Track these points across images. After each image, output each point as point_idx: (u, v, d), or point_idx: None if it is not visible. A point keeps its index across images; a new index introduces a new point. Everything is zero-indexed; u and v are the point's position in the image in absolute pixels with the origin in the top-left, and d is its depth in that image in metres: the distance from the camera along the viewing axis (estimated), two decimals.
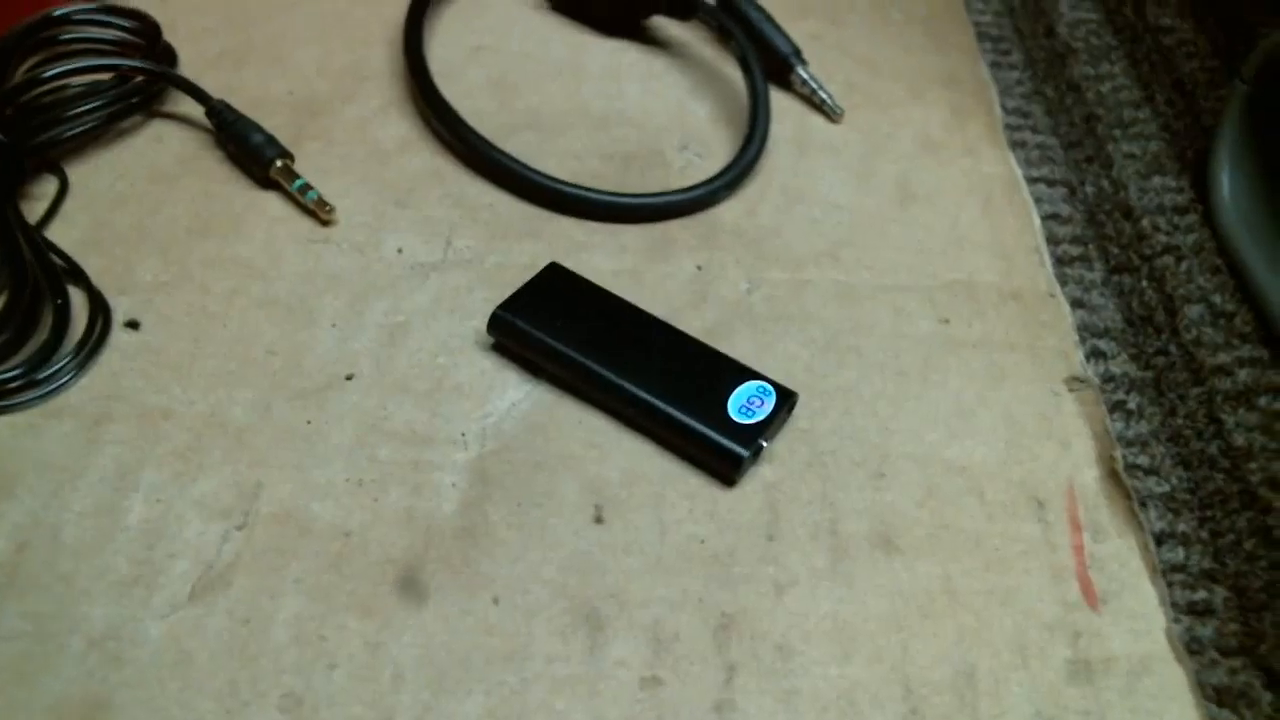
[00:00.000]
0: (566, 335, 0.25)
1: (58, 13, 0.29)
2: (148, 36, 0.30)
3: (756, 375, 0.24)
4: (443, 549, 0.22)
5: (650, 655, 0.21)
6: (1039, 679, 0.21)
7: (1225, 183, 0.31)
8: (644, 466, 0.24)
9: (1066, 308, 0.28)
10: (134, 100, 0.29)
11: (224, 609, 0.21)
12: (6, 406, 0.23)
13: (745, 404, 0.24)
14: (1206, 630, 0.23)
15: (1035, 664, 0.21)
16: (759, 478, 0.24)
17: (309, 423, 0.24)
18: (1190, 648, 0.22)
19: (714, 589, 0.22)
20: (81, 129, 0.28)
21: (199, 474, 0.23)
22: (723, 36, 0.33)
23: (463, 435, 0.24)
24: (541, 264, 0.27)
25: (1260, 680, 0.22)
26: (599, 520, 0.23)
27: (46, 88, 0.28)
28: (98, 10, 0.30)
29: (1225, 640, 0.22)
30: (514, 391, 0.25)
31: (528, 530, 0.22)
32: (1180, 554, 0.24)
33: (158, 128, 0.30)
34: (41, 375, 0.24)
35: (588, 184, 0.29)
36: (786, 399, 0.24)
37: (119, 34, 0.30)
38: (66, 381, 0.24)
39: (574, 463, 0.24)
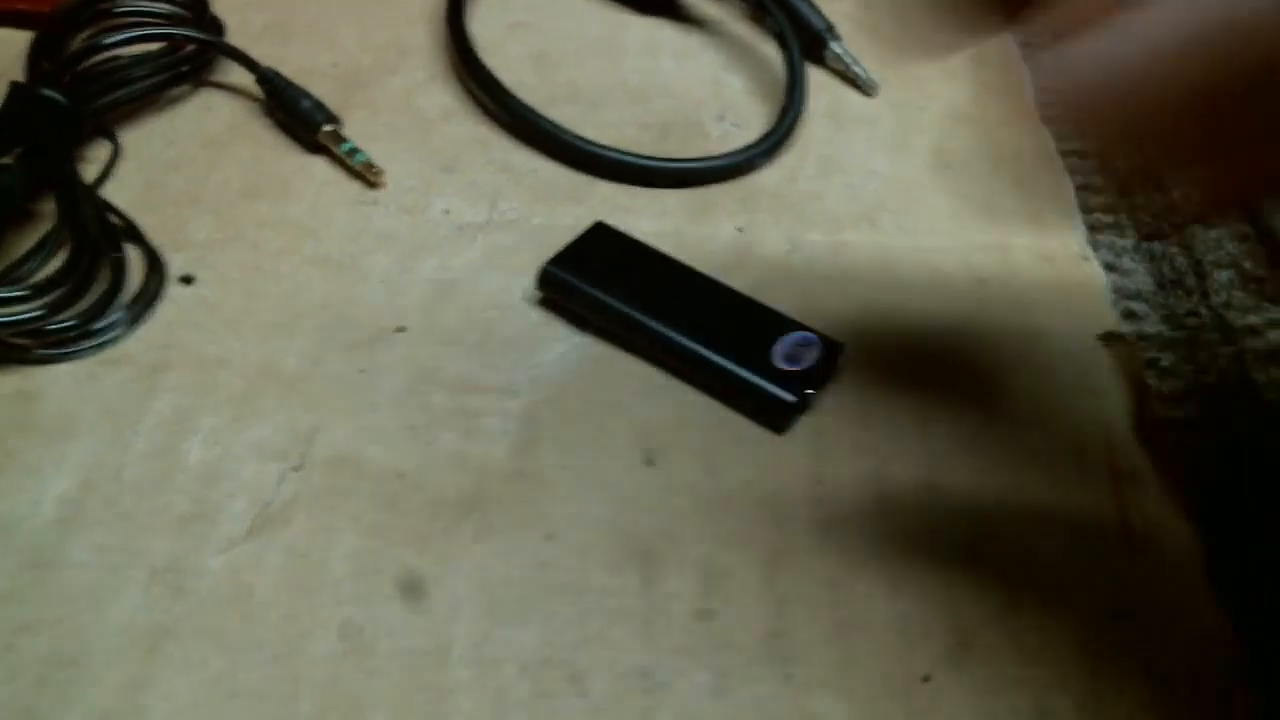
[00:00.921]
0: (614, 289, 0.25)
1: None
2: (196, 9, 0.31)
3: (802, 326, 0.25)
4: (496, 489, 0.22)
5: (702, 589, 0.21)
6: (1083, 614, 0.21)
7: None
8: (693, 414, 0.24)
9: (1100, 270, 0.29)
10: (184, 69, 0.30)
11: (282, 545, 0.21)
12: (65, 354, 0.24)
13: (791, 353, 0.24)
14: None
15: (1077, 598, 0.22)
16: (807, 425, 0.24)
17: (362, 371, 0.24)
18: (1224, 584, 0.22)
19: (763, 528, 0.22)
20: (135, 95, 0.29)
21: (255, 419, 0.23)
22: (758, 13, 0.34)
23: (512, 384, 0.24)
24: (585, 225, 0.28)
25: None
26: (649, 463, 0.23)
27: (102, 56, 0.28)
28: None
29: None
30: (562, 344, 0.25)
31: (579, 472, 0.23)
32: (1212, 506, 0.24)
33: (207, 96, 0.31)
34: (98, 325, 0.24)
35: (627, 149, 0.30)
36: (833, 349, 0.25)
37: (169, 6, 0.31)
38: (122, 332, 0.24)
39: (623, 410, 0.24)
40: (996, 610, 0.21)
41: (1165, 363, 0.28)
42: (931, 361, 0.26)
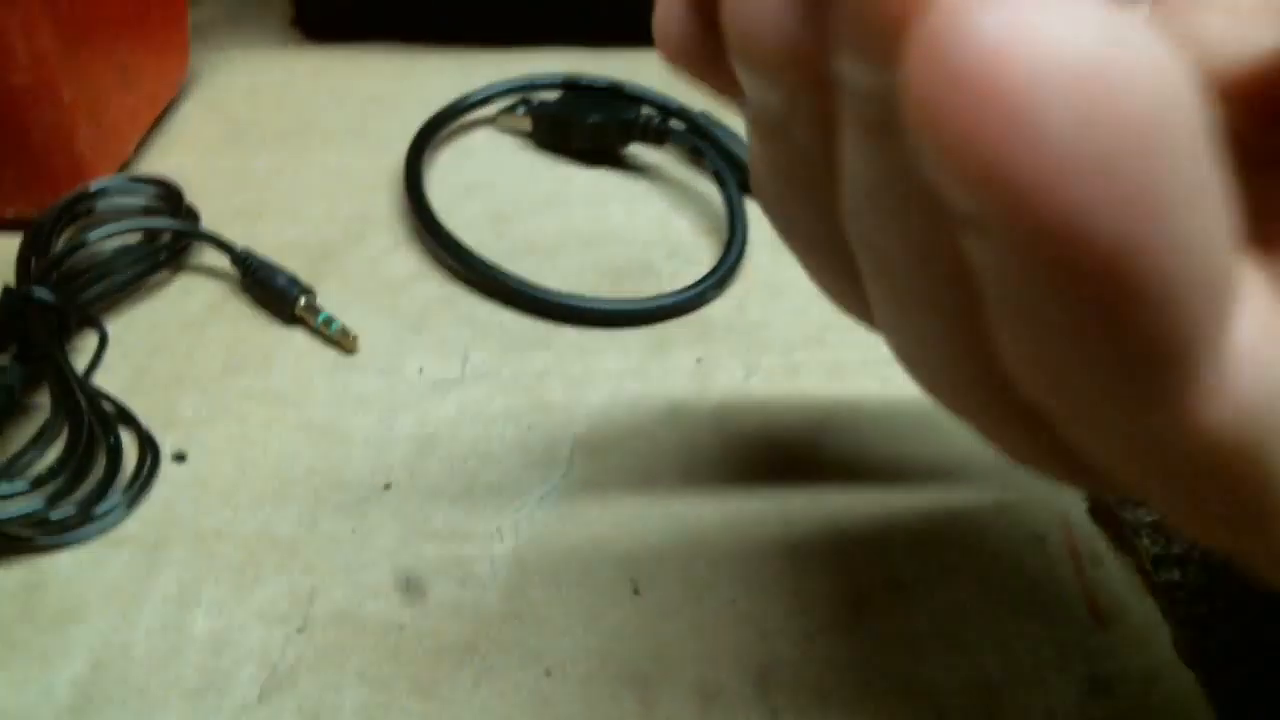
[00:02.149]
0: None
1: (93, 187, 0.32)
2: (172, 200, 0.33)
3: None
4: (492, 632, 0.23)
5: (699, 709, 0.22)
6: (1062, 693, 0.22)
7: None
8: (673, 542, 0.25)
9: None
10: (163, 257, 0.32)
11: (292, 706, 0.22)
12: (67, 541, 0.25)
13: None
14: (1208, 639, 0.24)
15: (1055, 679, 0.23)
16: (782, 539, 0.25)
17: (354, 531, 0.25)
18: (1194, 656, 0.24)
19: (751, 644, 0.23)
20: (118, 286, 0.30)
21: (255, 586, 0.24)
22: (696, 156, 0.36)
23: (498, 529, 0.26)
24: (554, 371, 0.29)
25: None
26: (636, 593, 0.24)
27: (85, 252, 0.30)
28: (126, 181, 0.33)
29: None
30: (542, 487, 0.27)
31: (570, 607, 0.24)
32: (1176, 574, 0.26)
33: (186, 279, 0.32)
34: (98, 511, 0.25)
35: (586, 296, 0.31)
36: None
37: (146, 200, 0.33)
38: (121, 515, 0.25)
39: (607, 544, 0.25)
40: (978, 700, 0.22)
41: None
42: (891, 465, 0.27)
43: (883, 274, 0.13)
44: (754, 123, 0.15)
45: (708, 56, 0.16)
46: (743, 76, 0.14)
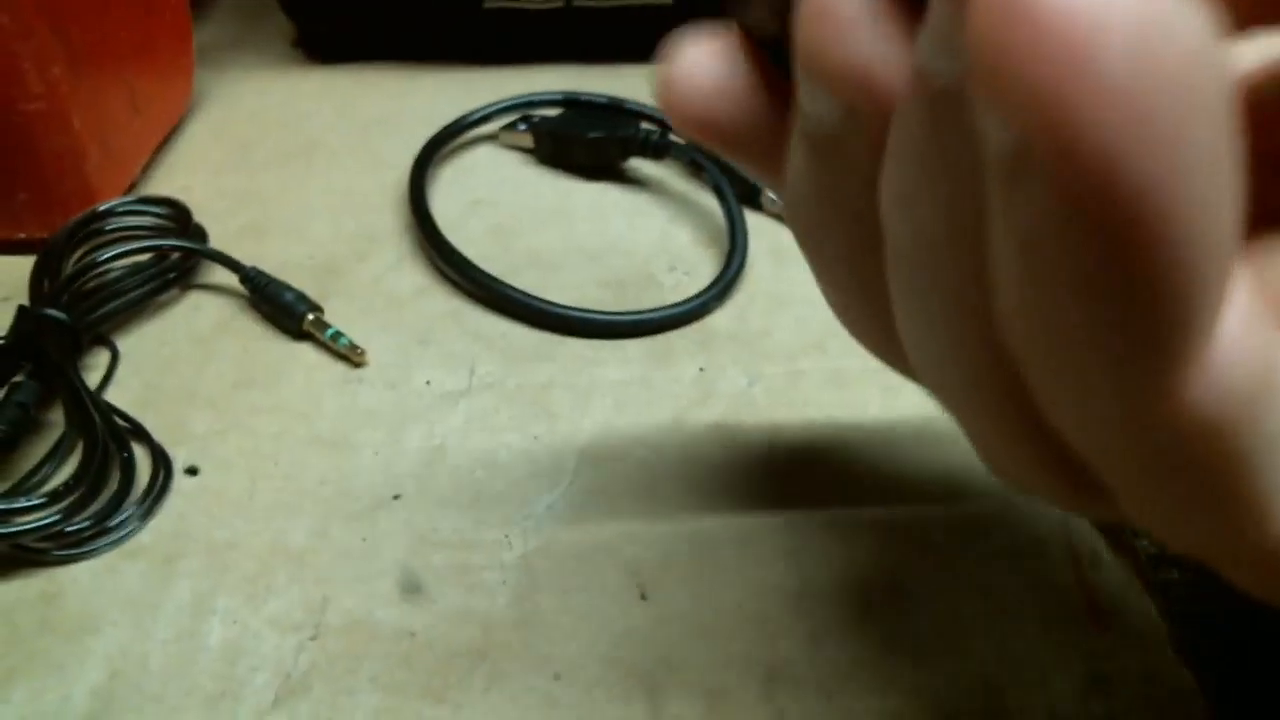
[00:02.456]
0: None
1: (102, 209, 0.32)
2: (180, 219, 0.33)
3: None
4: (502, 637, 0.24)
5: (705, 711, 0.22)
6: (1062, 690, 0.23)
7: None
8: (679, 547, 0.26)
9: None
10: (172, 275, 0.32)
11: (307, 712, 0.22)
12: (84, 553, 0.25)
13: None
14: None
15: (1055, 677, 0.23)
16: (784, 545, 0.26)
17: (364, 540, 0.26)
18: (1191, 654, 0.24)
19: (757, 646, 0.24)
20: (129, 304, 0.31)
21: (269, 595, 0.25)
22: (695, 170, 0.37)
23: (506, 537, 0.26)
24: (559, 382, 0.30)
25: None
26: (643, 598, 0.25)
27: (96, 272, 0.31)
28: (135, 202, 0.33)
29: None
30: (548, 494, 0.27)
31: (578, 613, 0.24)
32: (1173, 574, 0.26)
33: (196, 297, 0.33)
34: (113, 523, 0.26)
35: (589, 308, 0.32)
36: None
37: (155, 220, 0.33)
38: (136, 527, 0.26)
39: (613, 550, 0.26)
40: (979, 697, 0.23)
41: None
42: (891, 473, 0.28)
43: (906, 271, 0.14)
44: (804, 140, 0.15)
45: (741, 116, 0.16)
46: (805, 89, 0.14)
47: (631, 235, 0.36)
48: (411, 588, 0.25)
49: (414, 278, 0.34)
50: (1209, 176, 0.09)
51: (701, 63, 0.16)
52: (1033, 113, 0.09)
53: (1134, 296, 0.10)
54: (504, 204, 0.37)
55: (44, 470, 0.26)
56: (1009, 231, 0.11)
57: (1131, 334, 0.10)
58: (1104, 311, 0.10)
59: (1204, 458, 0.11)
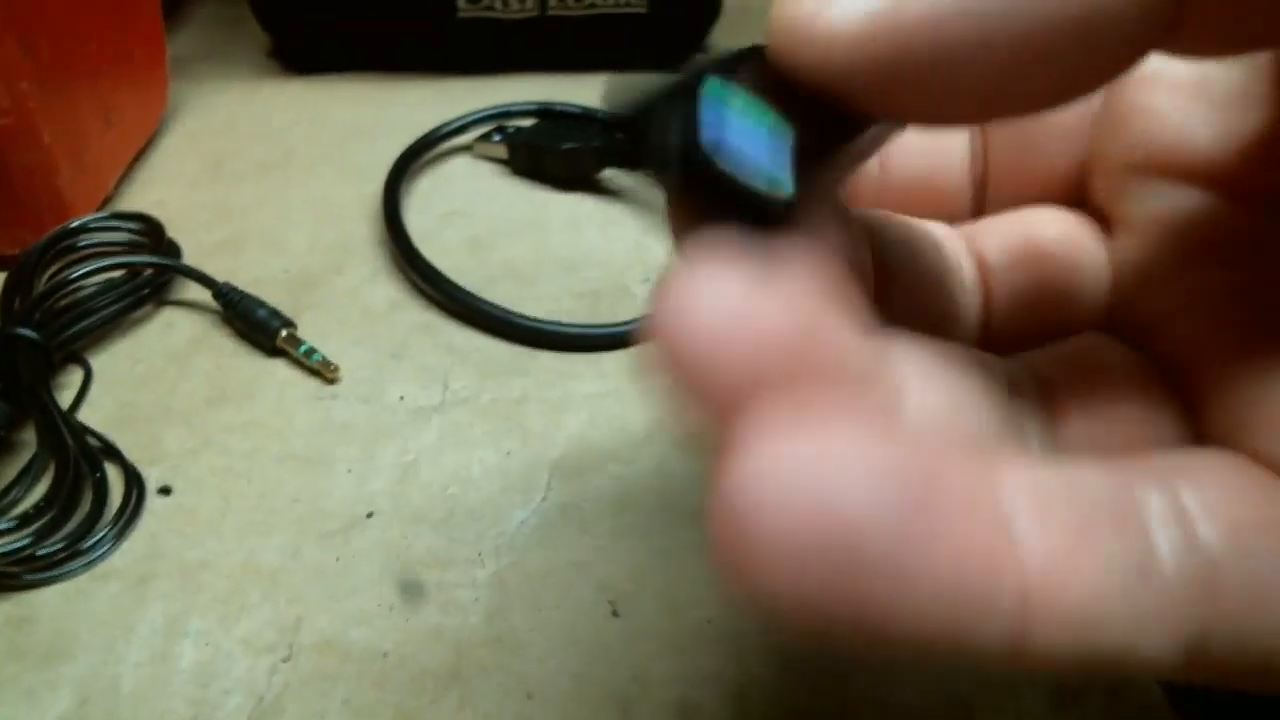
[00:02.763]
0: None
1: (74, 224, 0.32)
2: (153, 235, 0.33)
3: None
4: (475, 656, 0.24)
5: None
6: (1034, 706, 0.23)
7: None
8: (650, 564, 0.26)
9: None
10: (145, 292, 0.32)
11: None
12: (55, 576, 0.25)
13: None
14: None
15: (1027, 692, 0.23)
16: None
17: (338, 559, 0.26)
18: None
19: (729, 663, 0.24)
20: (101, 322, 0.31)
21: (241, 615, 0.25)
22: None
23: (479, 554, 0.26)
24: (532, 396, 0.30)
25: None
26: (616, 615, 0.25)
27: (68, 289, 0.30)
28: (108, 217, 0.33)
29: None
30: (521, 510, 0.27)
31: (551, 631, 0.24)
32: None
33: (169, 314, 0.33)
34: (85, 545, 0.26)
35: (563, 321, 0.32)
36: None
37: (128, 236, 0.33)
38: (108, 549, 0.26)
39: (585, 567, 0.26)
40: (949, 710, 0.23)
41: None
42: None
43: None
44: None
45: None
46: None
47: (606, 246, 0.36)
48: (385, 607, 0.25)
49: (388, 291, 0.34)
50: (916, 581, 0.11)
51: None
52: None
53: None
54: (479, 215, 0.37)
55: (14, 492, 0.26)
56: None
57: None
58: None
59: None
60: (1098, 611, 0.11)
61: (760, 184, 0.12)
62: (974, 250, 0.17)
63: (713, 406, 0.11)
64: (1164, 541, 0.12)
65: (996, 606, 0.11)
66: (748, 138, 0.12)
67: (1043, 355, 0.16)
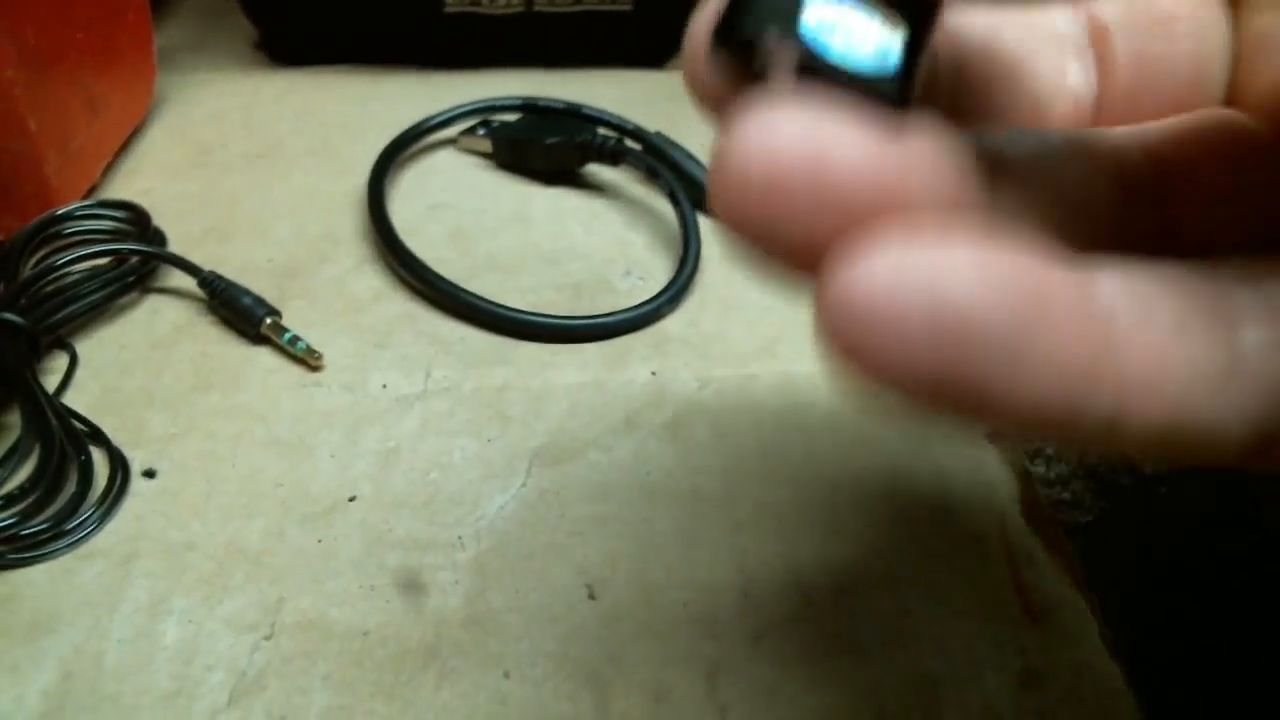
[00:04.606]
0: None
1: (59, 212, 0.33)
2: (139, 223, 0.34)
3: None
4: (453, 636, 0.24)
5: (650, 707, 0.23)
6: (997, 686, 0.24)
7: None
8: (626, 548, 0.26)
9: None
10: (130, 279, 0.32)
11: (261, 709, 0.23)
12: (40, 556, 0.26)
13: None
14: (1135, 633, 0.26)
15: (990, 673, 0.24)
16: (732, 545, 0.27)
17: (320, 541, 0.26)
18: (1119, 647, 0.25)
19: (701, 644, 0.24)
20: (87, 308, 0.31)
21: (225, 595, 0.25)
22: (651, 175, 0.38)
23: (459, 538, 0.27)
24: (514, 385, 0.30)
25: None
26: (592, 597, 0.25)
27: (54, 276, 0.31)
28: (93, 205, 0.34)
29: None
30: (501, 495, 0.28)
31: (528, 612, 0.25)
32: (1107, 570, 0.27)
33: (154, 301, 0.33)
34: (69, 526, 0.26)
35: (545, 312, 0.33)
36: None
37: (113, 224, 0.33)
38: (93, 529, 0.26)
39: (563, 550, 0.26)
40: (917, 693, 0.24)
41: (1050, 450, 0.31)
42: (835, 474, 0.29)
43: None
44: None
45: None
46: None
47: (588, 240, 0.37)
48: (366, 589, 0.25)
49: (372, 281, 0.34)
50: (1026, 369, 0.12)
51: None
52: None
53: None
54: (463, 208, 0.38)
55: (0, 473, 0.27)
56: None
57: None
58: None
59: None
60: (1186, 405, 0.12)
61: (866, 65, 0.12)
62: (1090, 18, 0.17)
63: (812, 230, 0.12)
64: (1252, 339, 0.13)
65: (1096, 398, 0.12)
66: (845, 19, 0.12)
67: (1157, 129, 0.16)
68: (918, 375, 0.11)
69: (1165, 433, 0.12)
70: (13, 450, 0.27)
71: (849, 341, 0.11)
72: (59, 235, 0.33)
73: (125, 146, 0.39)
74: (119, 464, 0.28)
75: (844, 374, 0.12)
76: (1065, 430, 0.12)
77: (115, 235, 0.33)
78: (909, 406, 0.12)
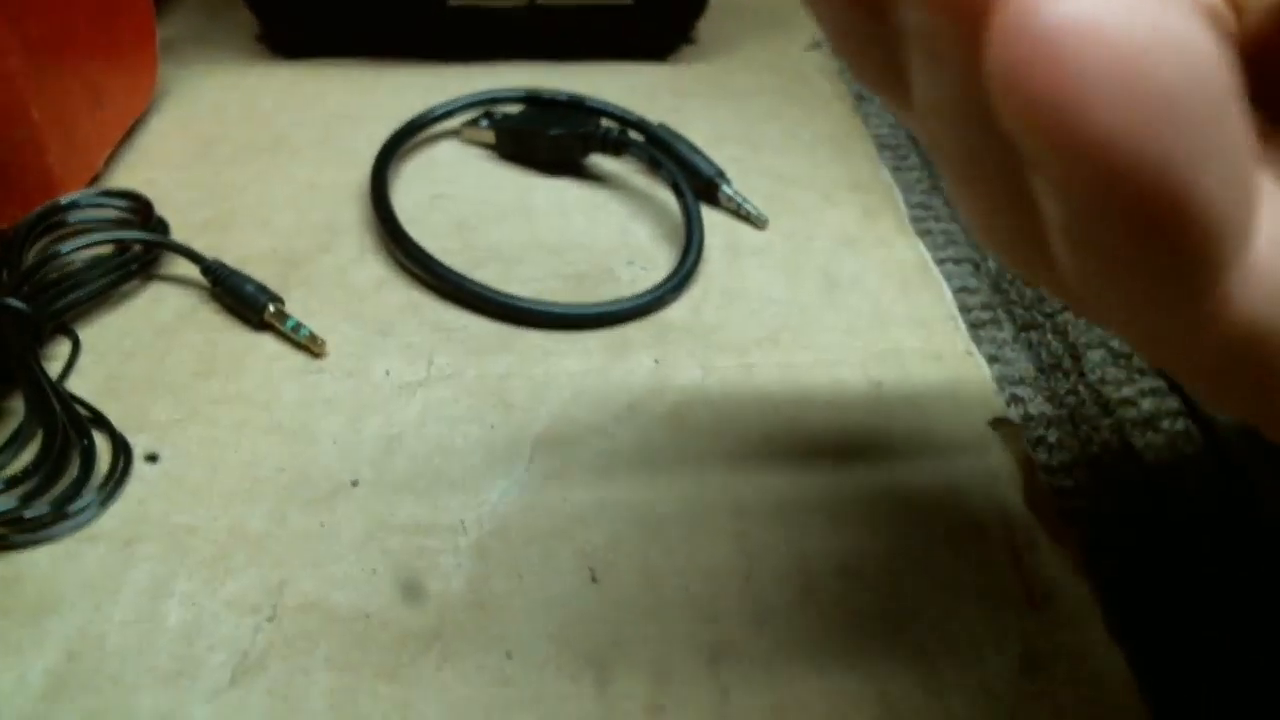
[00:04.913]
0: None
1: (64, 201, 0.33)
2: (142, 212, 0.34)
3: None
4: (456, 618, 0.24)
5: (652, 688, 0.23)
6: (998, 671, 0.24)
7: None
8: (628, 531, 0.26)
9: (983, 363, 0.32)
10: (134, 267, 0.32)
11: (263, 689, 0.23)
12: (42, 538, 0.26)
13: None
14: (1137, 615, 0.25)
15: (991, 658, 0.24)
16: (734, 528, 0.27)
17: (322, 525, 0.26)
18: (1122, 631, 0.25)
19: (703, 626, 0.24)
20: (90, 295, 0.31)
21: (227, 578, 0.25)
22: (654, 166, 0.38)
23: (462, 522, 0.27)
24: (516, 372, 0.30)
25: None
26: (594, 580, 0.25)
27: (58, 263, 0.31)
28: (97, 194, 0.34)
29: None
30: (504, 480, 0.28)
31: (531, 595, 0.25)
32: (1109, 557, 0.27)
33: (157, 289, 0.33)
34: (72, 509, 0.26)
35: (548, 300, 0.33)
36: None
37: (117, 213, 0.34)
38: (95, 513, 0.26)
39: (565, 535, 0.26)
40: (919, 677, 0.24)
41: (1052, 438, 0.31)
42: (837, 460, 0.29)
43: (953, 177, 0.14)
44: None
45: None
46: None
47: (591, 230, 0.37)
48: (368, 571, 0.25)
49: (375, 270, 0.34)
50: (1216, 143, 0.11)
51: None
52: (1055, 132, 0.10)
53: (1166, 244, 0.11)
54: (466, 198, 0.38)
55: (3, 457, 0.27)
56: (1045, 203, 0.12)
57: (1171, 270, 0.11)
58: (1145, 259, 0.11)
59: (1256, 354, 0.13)
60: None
61: None
62: None
63: None
64: None
65: (1242, 240, 0.12)
66: None
67: None
68: (1108, 133, 0.10)
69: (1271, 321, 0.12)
70: (16, 434, 0.27)
71: (1048, 84, 0.10)
72: (62, 224, 0.33)
73: (128, 137, 0.40)
74: (121, 449, 0.28)
75: (1023, 128, 0.11)
76: (1204, 262, 0.11)
77: (118, 224, 0.34)
78: (1084, 164, 0.11)
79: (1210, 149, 0.11)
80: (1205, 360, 0.13)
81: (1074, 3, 0.10)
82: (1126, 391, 0.32)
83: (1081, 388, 0.32)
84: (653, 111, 0.40)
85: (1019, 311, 0.35)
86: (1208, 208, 0.11)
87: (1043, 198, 0.12)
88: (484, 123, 0.40)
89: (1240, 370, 0.13)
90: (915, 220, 0.38)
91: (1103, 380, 0.32)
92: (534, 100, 0.41)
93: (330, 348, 0.31)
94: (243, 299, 0.32)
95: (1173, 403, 0.31)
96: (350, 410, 0.30)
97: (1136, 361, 0.33)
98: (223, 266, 0.32)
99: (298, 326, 0.31)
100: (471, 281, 0.33)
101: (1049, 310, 0.34)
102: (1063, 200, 0.11)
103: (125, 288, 0.33)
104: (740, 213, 0.37)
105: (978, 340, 0.33)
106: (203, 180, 0.38)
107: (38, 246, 0.32)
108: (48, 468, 0.26)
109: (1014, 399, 0.32)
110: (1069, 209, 0.11)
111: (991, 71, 0.11)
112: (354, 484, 0.27)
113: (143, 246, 0.33)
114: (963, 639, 0.24)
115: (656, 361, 0.32)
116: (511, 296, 0.32)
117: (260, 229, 0.36)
